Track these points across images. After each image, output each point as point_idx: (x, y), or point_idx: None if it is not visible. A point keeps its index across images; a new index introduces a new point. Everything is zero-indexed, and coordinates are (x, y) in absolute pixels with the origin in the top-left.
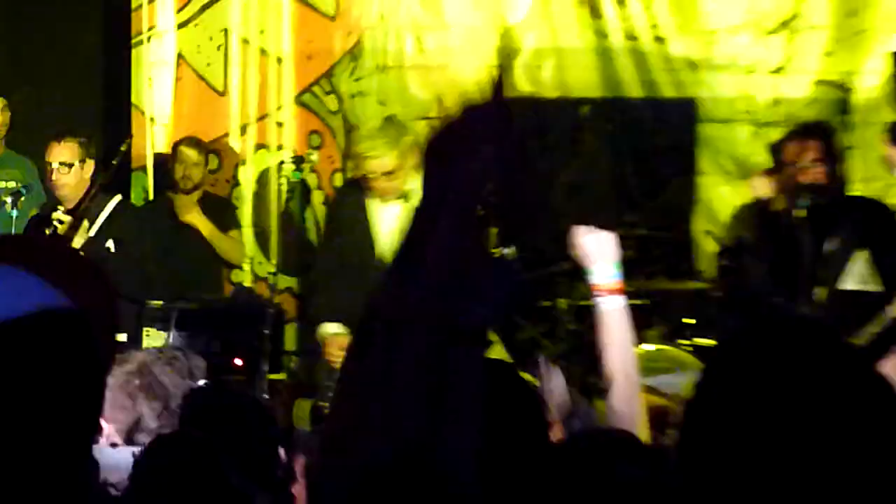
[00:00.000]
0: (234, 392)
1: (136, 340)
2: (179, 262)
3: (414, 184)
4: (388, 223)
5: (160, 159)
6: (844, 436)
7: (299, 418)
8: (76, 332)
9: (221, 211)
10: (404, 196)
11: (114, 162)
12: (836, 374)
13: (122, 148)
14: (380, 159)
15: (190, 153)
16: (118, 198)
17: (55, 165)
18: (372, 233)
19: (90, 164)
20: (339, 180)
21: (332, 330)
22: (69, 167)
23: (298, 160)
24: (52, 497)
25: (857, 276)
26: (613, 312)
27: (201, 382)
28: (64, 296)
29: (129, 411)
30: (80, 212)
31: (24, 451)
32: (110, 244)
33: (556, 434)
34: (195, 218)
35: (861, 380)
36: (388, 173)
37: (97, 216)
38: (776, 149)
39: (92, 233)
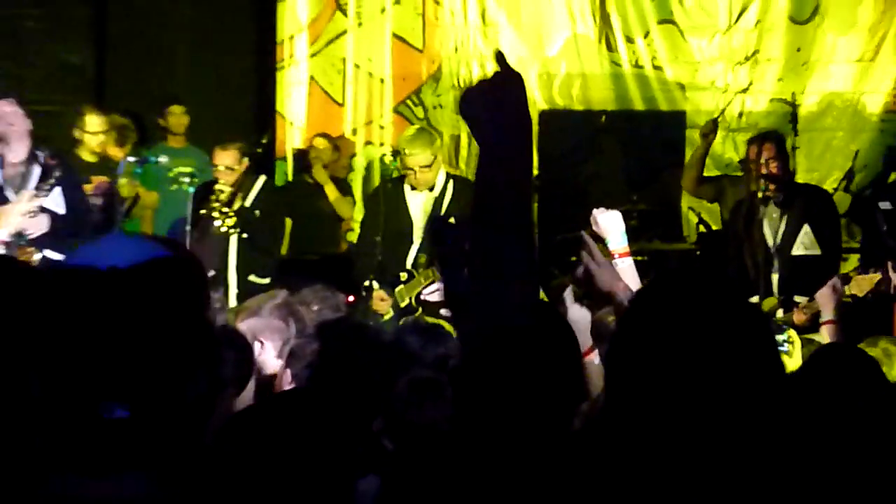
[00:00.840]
0: (357, 322)
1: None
2: (309, 224)
3: (441, 177)
4: (419, 207)
5: (297, 152)
6: (724, 358)
7: None
8: (192, 268)
9: (340, 184)
10: (432, 187)
11: (258, 149)
12: (718, 310)
13: (264, 140)
14: (419, 156)
15: (321, 142)
16: (263, 178)
17: (221, 168)
18: (409, 214)
19: (245, 163)
20: None
21: (375, 286)
22: (231, 170)
23: (395, 153)
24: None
25: (802, 244)
26: (625, 269)
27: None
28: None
29: (282, 332)
30: (236, 188)
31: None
32: (257, 212)
33: (591, 356)
34: (326, 180)
35: (738, 314)
36: (425, 167)
37: (249, 191)
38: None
39: (247, 203)
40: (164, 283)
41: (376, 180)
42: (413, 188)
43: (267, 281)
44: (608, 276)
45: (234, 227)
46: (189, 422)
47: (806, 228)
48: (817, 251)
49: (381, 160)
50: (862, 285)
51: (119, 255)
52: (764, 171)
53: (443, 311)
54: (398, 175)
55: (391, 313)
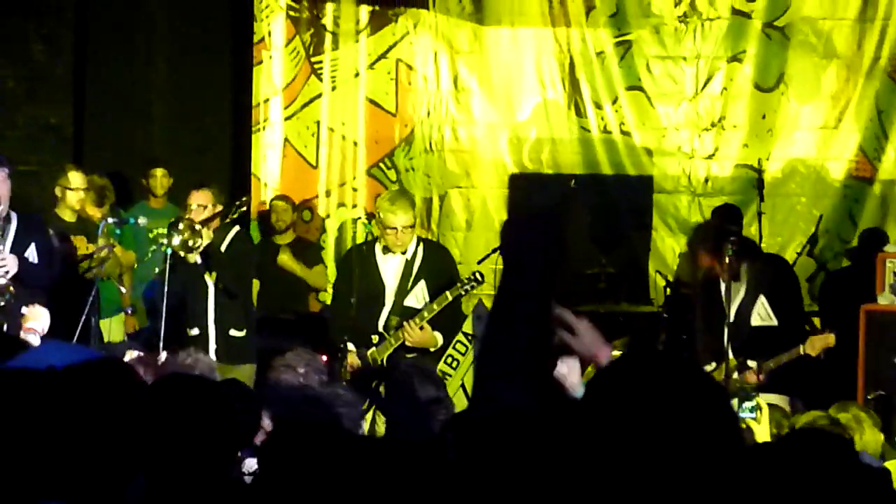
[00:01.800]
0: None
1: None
2: (275, 285)
3: (412, 244)
4: (391, 271)
5: (260, 213)
6: (685, 432)
7: None
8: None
9: (309, 250)
10: (405, 251)
11: (238, 203)
12: (682, 388)
13: (244, 198)
14: (401, 216)
15: (279, 203)
16: (237, 227)
17: (194, 207)
18: (381, 277)
19: (218, 207)
20: None
21: (349, 348)
22: (204, 208)
23: (370, 217)
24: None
25: (758, 315)
26: None
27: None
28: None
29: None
30: (208, 227)
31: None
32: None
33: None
34: (286, 261)
35: (701, 393)
36: (407, 227)
37: (223, 239)
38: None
39: (222, 248)
40: (99, 384)
41: (349, 242)
42: (386, 251)
43: (243, 333)
44: (588, 341)
45: (197, 249)
46: None
47: (762, 299)
48: (773, 322)
49: (355, 222)
50: (816, 345)
51: (56, 358)
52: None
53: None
54: (372, 238)
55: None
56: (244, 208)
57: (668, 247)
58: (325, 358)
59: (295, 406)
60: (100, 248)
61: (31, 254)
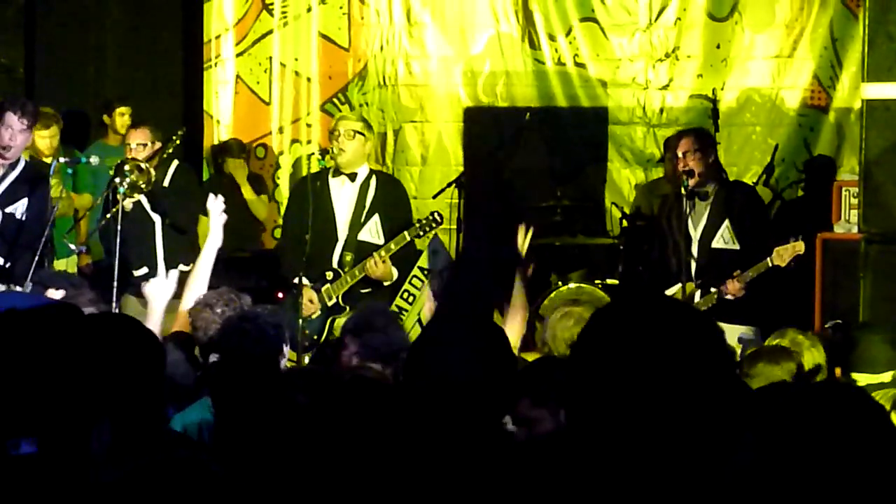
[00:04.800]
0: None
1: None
2: (227, 222)
3: (364, 170)
4: (343, 201)
5: (212, 148)
6: (682, 373)
7: None
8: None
9: (258, 182)
10: (354, 177)
11: (174, 137)
12: (676, 331)
13: (179, 132)
14: (348, 122)
15: (230, 161)
16: (176, 162)
17: (133, 146)
18: (332, 208)
19: (157, 145)
20: None
21: (305, 282)
22: (144, 146)
23: (324, 152)
24: None
25: (722, 238)
26: None
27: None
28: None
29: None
30: (150, 165)
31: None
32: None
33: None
34: (243, 181)
35: (693, 336)
36: (353, 133)
37: (165, 174)
38: (665, 145)
39: (165, 183)
40: (57, 325)
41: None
42: (336, 173)
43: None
44: None
45: (141, 192)
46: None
47: (727, 223)
48: (735, 246)
49: (309, 158)
50: (784, 255)
51: (17, 302)
52: (683, 166)
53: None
54: (323, 168)
55: (318, 313)
56: (178, 142)
57: (624, 178)
58: (280, 294)
59: (219, 340)
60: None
61: (20, 207)
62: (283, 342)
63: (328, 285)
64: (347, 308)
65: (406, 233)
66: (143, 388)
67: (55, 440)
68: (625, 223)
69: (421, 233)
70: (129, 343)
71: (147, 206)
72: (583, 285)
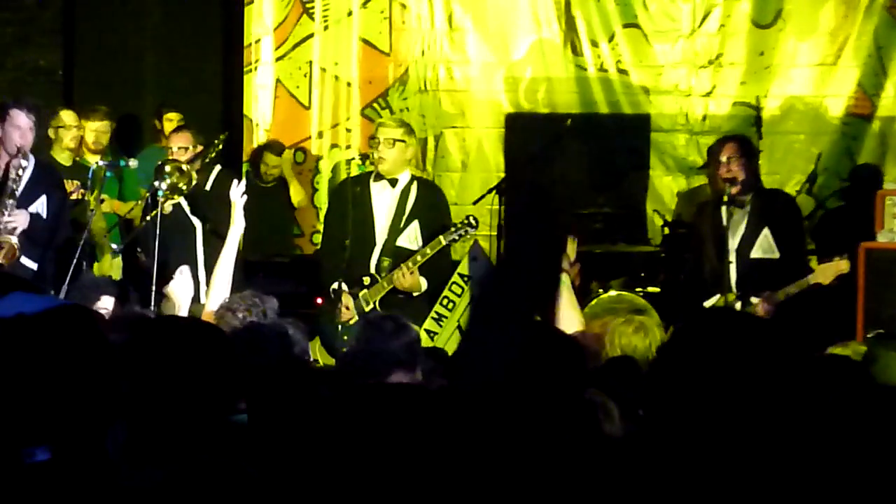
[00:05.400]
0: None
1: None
2: (262, 227)
3: (405, 176)
4: (383, 206)
5: (252, 153)
6: (757, 390)
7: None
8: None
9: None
10: (395, 183)
11: (216, 141)
12: (752, 350)
13: (221, 136)
14: (389, 129)
15: (270, 157)
16: (219, 167)
17: (175, 149)
18: (372, 213)
19: (199, 148)
20: None
21: (344, 288)
22: (185, 150)
23: (364, 157)
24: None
25: (761, 247)
26: None
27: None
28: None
29: None
30: (192, 168)
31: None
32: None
33: None
34: (291, 176)
35: (765, 350)
36: (393, 141)
37: (207, 178)
38: (709, 151)
39: (208, 187)
40: (66, 329)
41: None
42: (378, 178)
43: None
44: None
45: (180, 194)
46: (109, 467)
47: (766, 232)
48: (775, 255)
49: (349, 163)
50: (828, 273)
51: (26, 307)
52: (726, 173)
53: None
54: (363, 172)
55: (356, 318)
56: (220, 146)
57: (666, 186)
58: (319, 301)
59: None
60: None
61: (41, 205)
62: (288, 350)
63: (365, 291)
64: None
65: (441, 237)
66: (162, 390)
67: (69, 446)
68: (666, 231)
69: (456, 237)
70: (153, 344)
71: (188, 209)
72: (623, 293)
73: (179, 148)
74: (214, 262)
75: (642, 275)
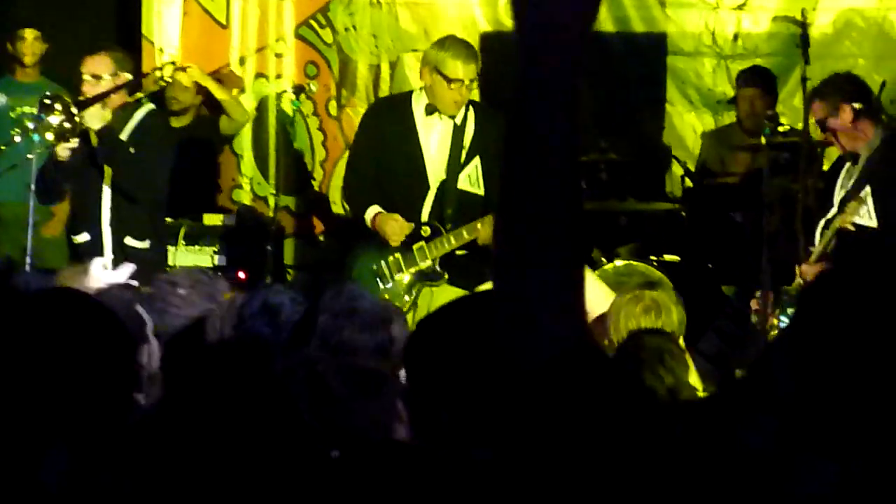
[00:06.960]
0: None
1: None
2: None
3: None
4: (435, 140)
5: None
6: None
7: None
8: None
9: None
10: (453, 116)
11: (155, 71)
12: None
13: (166, 64)
14: (467, 63)
15: (180, 77)
16: (151, 106)
17: (86, 77)
18: (419, 147)
19: (123, 77)
20: (333, 108)
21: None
22: (98, 79)
23: (298, 89)
24: None
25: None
26: None
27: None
28: None
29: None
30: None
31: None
32: (131, 149)
33: None
34: (204, 79)
35: None
36: (472, 80)
37: (127, 122)
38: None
39: (123, 136)
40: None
41: (270, 124)
42: (430, 111)
43: (146, 245)
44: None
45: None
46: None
47: (867, 191)
48: (872, 223)
49: (279, 98)
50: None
51: None
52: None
53: None
54: (404, 93)
55: (410, 278)
56: (160, 75)
57: (688, 125)
58: (242, 275)
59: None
60: None
61: None
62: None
63: (422, 243)
64: (445, 276)
65: None
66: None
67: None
68: (688, 182)
69: None
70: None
71: (97, 158)
72: (634, 263)
73: (92, 77)
74: (125, 226)
75: (658, 239)
